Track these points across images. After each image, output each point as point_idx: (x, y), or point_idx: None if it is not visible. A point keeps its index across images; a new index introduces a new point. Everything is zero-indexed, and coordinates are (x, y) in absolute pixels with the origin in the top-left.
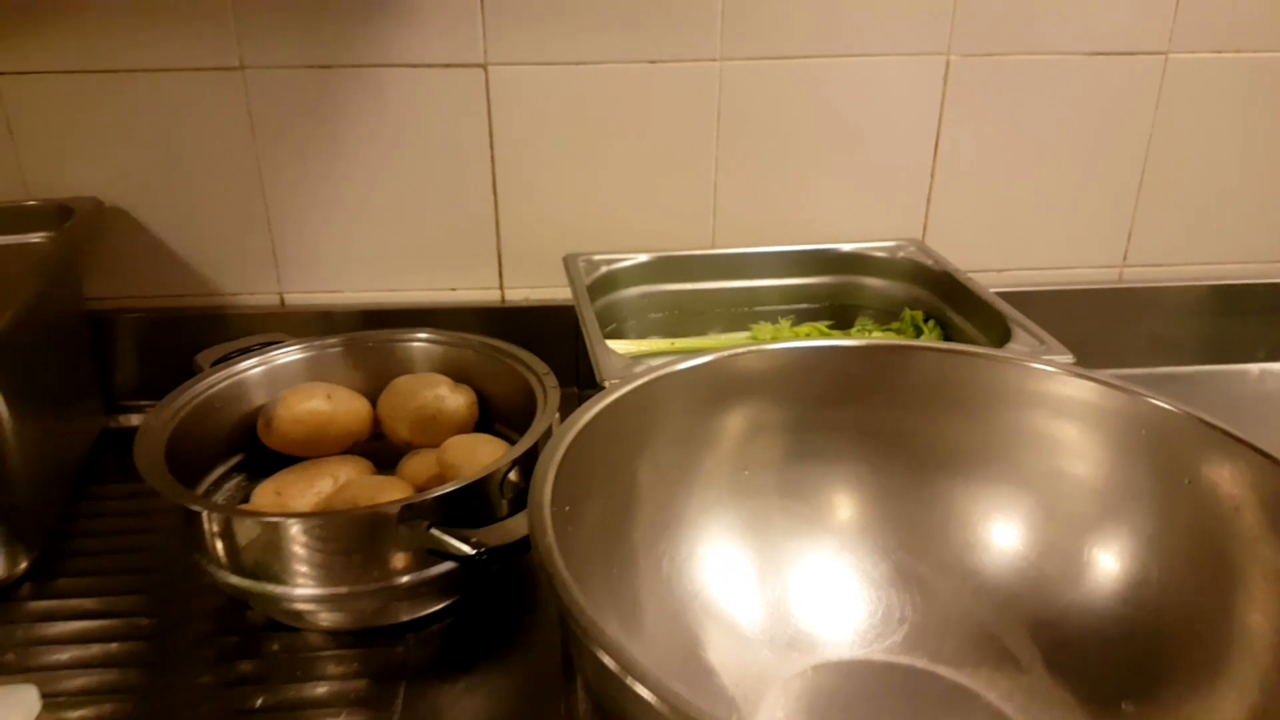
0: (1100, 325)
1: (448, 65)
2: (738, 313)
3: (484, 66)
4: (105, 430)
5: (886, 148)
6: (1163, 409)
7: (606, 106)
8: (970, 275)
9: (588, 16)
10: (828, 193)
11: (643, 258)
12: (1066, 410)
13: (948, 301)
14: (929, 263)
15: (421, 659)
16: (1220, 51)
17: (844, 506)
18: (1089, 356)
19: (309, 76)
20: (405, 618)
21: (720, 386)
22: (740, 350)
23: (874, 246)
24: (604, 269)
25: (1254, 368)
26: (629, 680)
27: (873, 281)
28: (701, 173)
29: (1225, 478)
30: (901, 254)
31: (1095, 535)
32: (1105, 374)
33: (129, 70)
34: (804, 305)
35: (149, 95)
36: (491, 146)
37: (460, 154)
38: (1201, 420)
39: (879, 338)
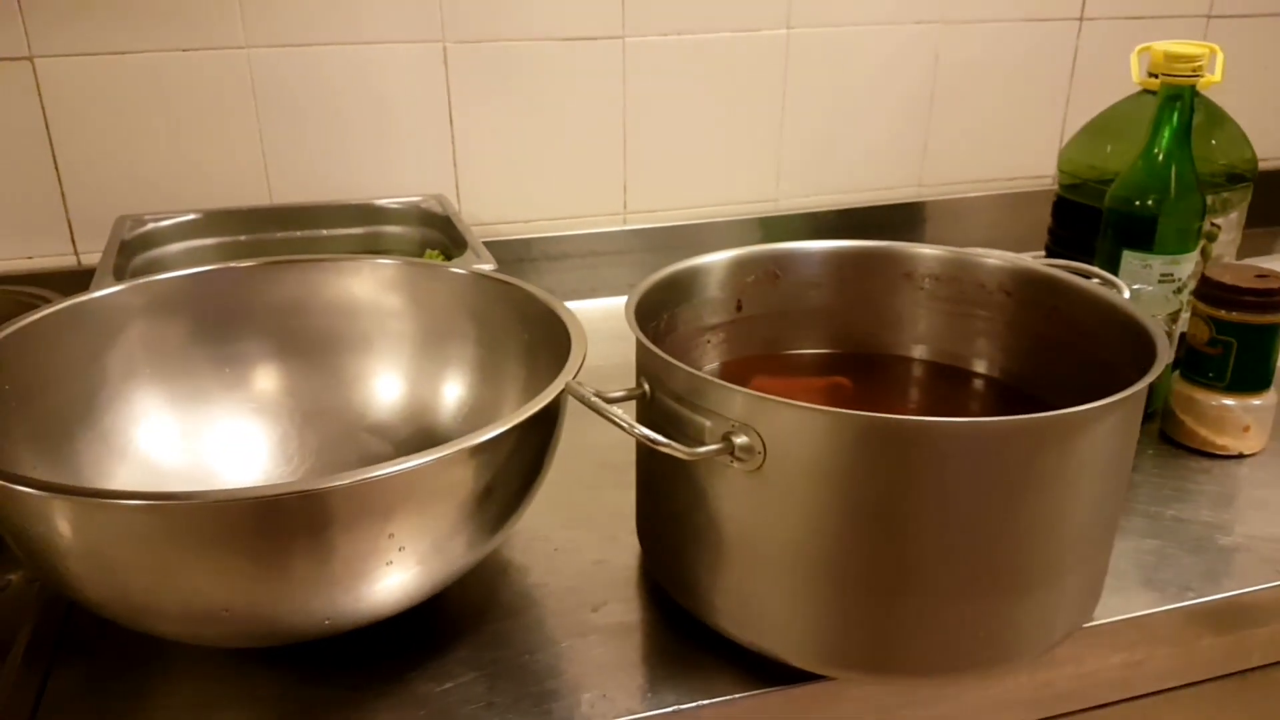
0: (609, 258)
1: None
2: None
3: (30, 59)
4: None
5: (410, 120)
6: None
7: (149, 87)
8: (481, 223)
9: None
10: (368, 156)
11: (191, 215)
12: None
13: (452, 242)
14: (439, 211)
15: None
16: (666, 35)
17: (263, 379)
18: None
19: None
20: None
21: (161, 300)
22: (172, 275)
23: (399, 201)
24: (150, 225)
25: None
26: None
27: (396, 229)
28: (248, 137)
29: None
30: (424, 206)
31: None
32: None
33: None
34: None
35: None
36: (47, 126)
37: (20, 138)
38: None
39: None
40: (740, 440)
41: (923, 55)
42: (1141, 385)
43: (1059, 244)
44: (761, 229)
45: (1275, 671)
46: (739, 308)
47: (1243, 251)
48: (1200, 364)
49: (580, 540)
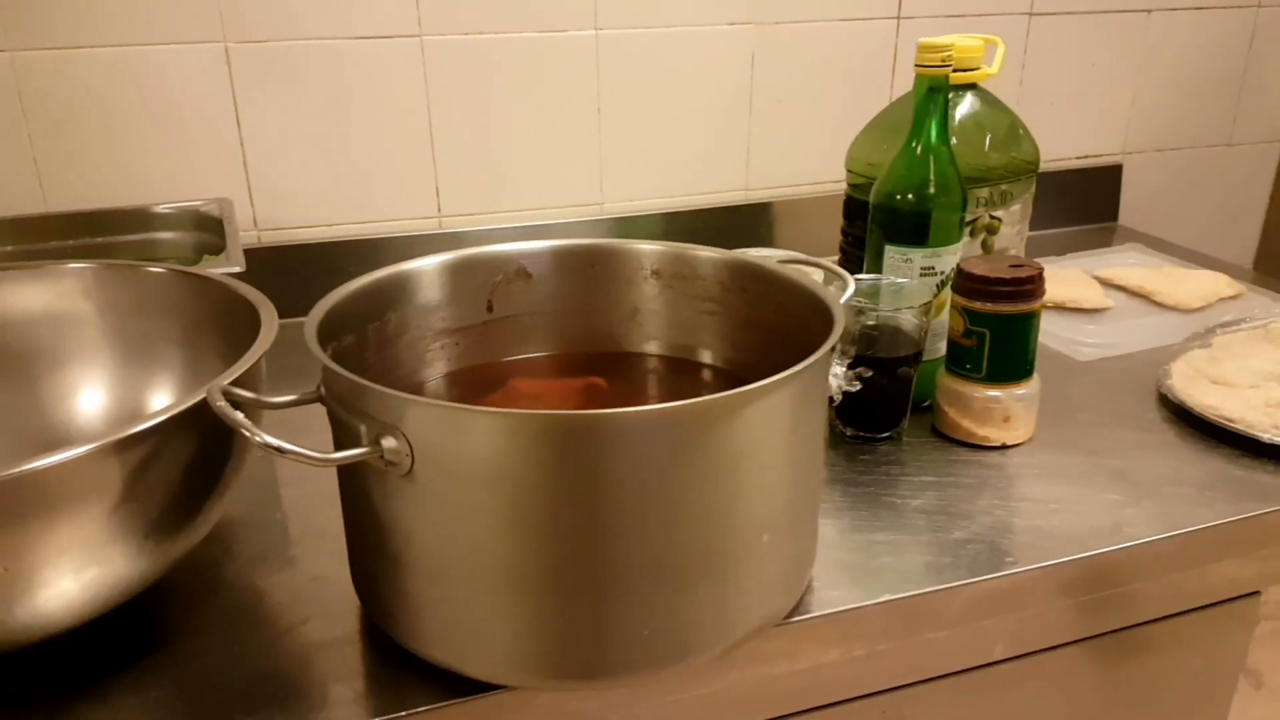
0: None
1: None
2: None
3: None
4: None
5: (195, 122)
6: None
7: None
8: (280, 227)
9: None
10: (151, 160)
11: None
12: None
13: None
14: (218, 215)
15: None
16: (467, 34)
17: None
18: None
19: None
20: None
21: None
22: None
23: (174, 206)
24: None
25: None
26: None
27: (171, 235)
28: (16, 144)
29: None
30: (203, 210)
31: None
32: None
33: None
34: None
35: None
36: None
37: None
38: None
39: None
40: (389, 443)
41: (738, 57)
42: (789, 373)
43: (849, 242)
44: (587, 233)
45: (1020, 665)
46: (490, 309)
47: (1063, 247)
48: (959, 356)
49: (308, 555)
